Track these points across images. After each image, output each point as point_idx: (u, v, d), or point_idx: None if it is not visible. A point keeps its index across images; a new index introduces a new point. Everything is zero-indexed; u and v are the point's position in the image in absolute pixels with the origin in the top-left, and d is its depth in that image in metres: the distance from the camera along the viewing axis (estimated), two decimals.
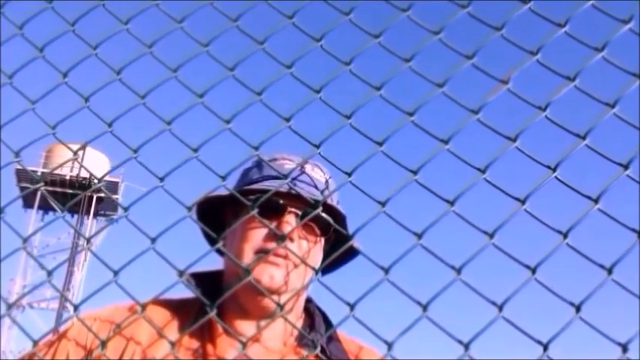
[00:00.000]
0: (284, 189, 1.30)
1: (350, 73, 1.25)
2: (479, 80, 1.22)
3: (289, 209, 1.34)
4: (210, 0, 1.39)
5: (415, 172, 1.14)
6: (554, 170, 1.09)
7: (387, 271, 1.07)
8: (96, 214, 24.90)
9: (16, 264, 22.44)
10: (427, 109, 1.19)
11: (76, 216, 24.10)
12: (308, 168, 1.42)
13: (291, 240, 1.33)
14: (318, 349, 1.29)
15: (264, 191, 1.31)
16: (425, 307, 1.04)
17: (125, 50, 1.38)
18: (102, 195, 23.15)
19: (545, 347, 1.00)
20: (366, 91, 1.23)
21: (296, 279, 1.33)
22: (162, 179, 1.21)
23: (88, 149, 16.93)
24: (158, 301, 1.35)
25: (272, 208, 1.31)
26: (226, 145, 1.31)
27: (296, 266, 1.34)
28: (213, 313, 1.13)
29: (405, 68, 1.23)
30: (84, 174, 22.41)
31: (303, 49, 1.28)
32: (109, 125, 1.31)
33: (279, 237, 1.29)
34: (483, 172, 1.11)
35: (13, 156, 1.33)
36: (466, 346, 1.00)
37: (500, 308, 1.02)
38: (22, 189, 22.96)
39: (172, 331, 1.31)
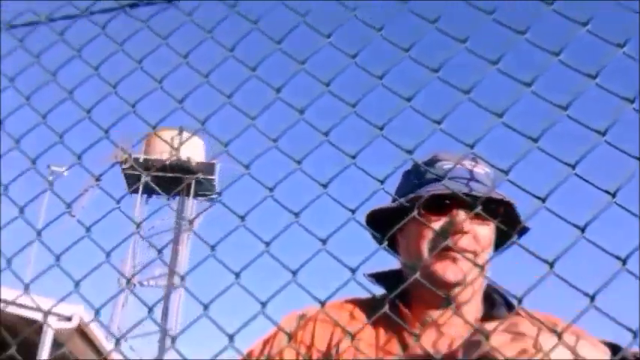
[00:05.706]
0: (447, 192, 1.36)
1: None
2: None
3: (456, 208, 1.39)
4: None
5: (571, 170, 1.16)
6: None
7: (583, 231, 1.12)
8: (195, 195, 25.97)
9: (125, 246, 23.82)
10: None
11: (177, 198, 25.26)
12: (468, 164, 1.46)
13: (464, 233, 1.39)
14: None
15: (430, 197, 1.38)
16: (592, 298, 1.08)
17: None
18: (200, 177, 24.05)
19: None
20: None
21: (473, 269, 1.38)
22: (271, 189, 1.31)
23: (184, 134, 17.62)
24: (345, 302, 1.49)
25: (440, 209, 1.40)
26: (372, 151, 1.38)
27: (476, 256, 1.39)
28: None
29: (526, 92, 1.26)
30: (182, 158, 23.34)
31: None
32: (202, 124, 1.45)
33: (455, 231, 1.36)
34: None
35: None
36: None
37: None
38: (126, 175, 24.30)
39: (369, 328, 1.39)
